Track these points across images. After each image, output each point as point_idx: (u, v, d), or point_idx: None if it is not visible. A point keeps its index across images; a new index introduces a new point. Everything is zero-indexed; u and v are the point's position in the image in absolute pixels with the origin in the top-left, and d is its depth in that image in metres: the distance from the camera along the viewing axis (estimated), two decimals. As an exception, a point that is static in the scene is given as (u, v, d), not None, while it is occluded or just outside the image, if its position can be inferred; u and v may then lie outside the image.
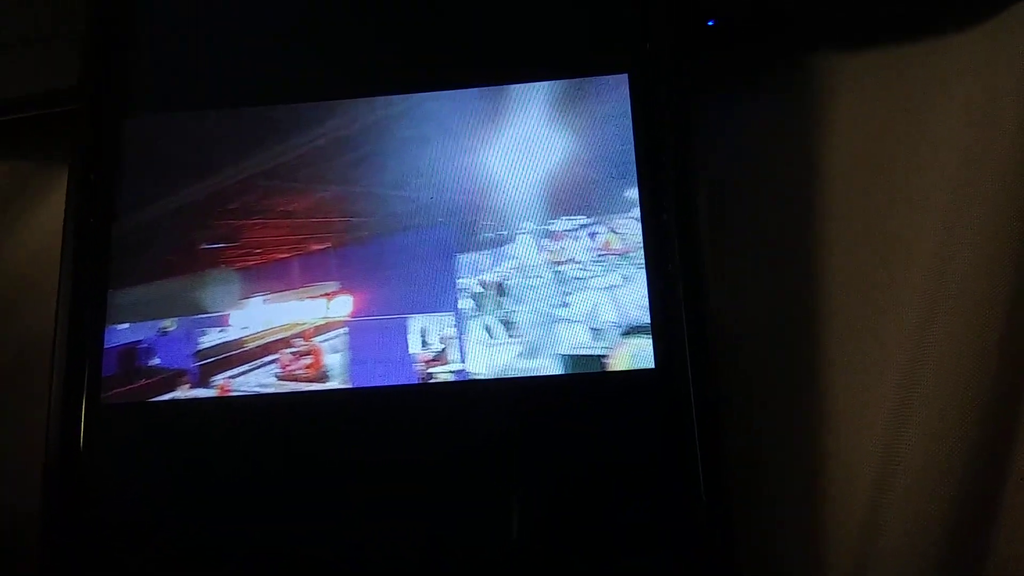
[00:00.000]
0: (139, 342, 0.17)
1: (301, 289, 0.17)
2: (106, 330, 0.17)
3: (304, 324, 0.17)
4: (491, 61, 0.18)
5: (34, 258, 0.22)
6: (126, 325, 0.17)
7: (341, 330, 0.17)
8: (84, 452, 0.17)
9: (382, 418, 0.17)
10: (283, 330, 0.17)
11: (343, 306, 0.17)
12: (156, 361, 0.17)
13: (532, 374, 0.16)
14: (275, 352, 0.17)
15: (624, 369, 0.16)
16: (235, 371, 0.17)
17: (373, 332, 0.17)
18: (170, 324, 0.17)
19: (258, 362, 0.17)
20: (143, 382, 0.17)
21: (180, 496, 0.17)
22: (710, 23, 0.19)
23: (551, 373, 0.16)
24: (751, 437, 0.18)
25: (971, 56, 0.20)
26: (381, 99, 0.18)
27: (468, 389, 0.17)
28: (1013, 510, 0.17)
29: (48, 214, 0.23)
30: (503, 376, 0.16)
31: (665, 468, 0.16)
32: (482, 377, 0.17)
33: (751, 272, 0.19)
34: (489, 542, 0.16)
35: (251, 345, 0.17)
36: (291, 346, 0.17)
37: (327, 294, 0.17)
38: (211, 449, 0.17)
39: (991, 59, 0.20)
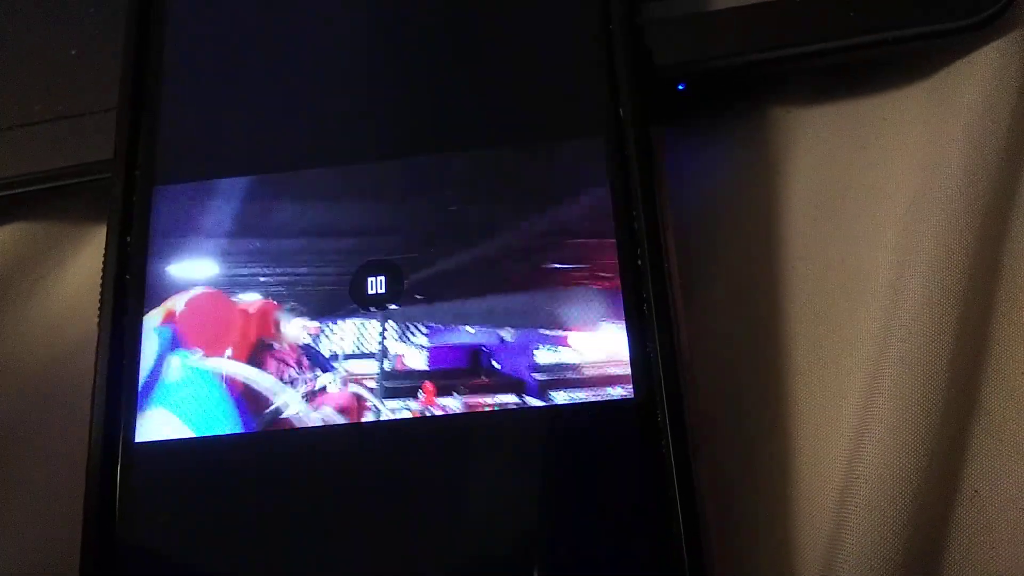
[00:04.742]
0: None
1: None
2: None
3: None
4: (470, 127, 0.20)
5: (67, 308, 0.24)
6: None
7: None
8: (121, 494, 0.18)
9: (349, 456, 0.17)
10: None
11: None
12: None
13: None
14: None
15: (603, 400, 0.17)
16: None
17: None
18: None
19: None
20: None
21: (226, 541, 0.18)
22: (680, 87, 0.21)
23: (530, 405, 0.17)
24: (723, 460, 0.19)
25: (920, 107, 0.22)
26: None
27: (442, 424, 0.17)
28: (967, 521, 0.19)
29: (79, 269, 0.25)
30: (477, 411, 0.17)
31: (644, 493, 0.17)
32: (456, 411, 0.17)
33: (722, 306, 0.21)
34: None
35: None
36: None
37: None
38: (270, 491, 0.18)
39: (938, 110, 0.21)
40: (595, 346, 0.18)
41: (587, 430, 0.17)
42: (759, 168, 0.22)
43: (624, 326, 0.18)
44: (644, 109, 0.19)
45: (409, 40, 0.21)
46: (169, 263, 0.19)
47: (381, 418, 0.18)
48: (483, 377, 0.18)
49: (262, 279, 0.19)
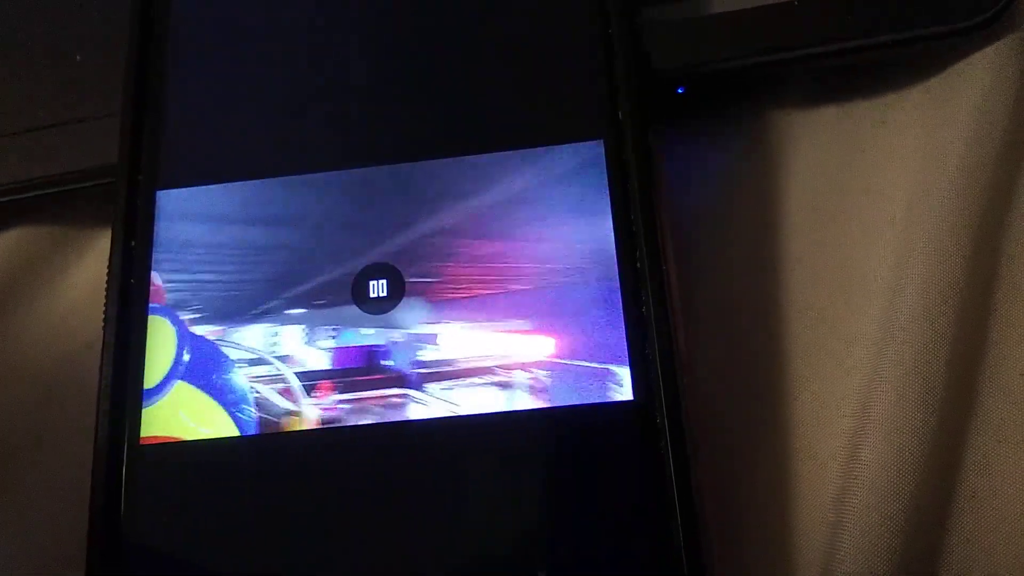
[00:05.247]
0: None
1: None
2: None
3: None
4: (470, 131, 0.20)
5: (72, 311, 0.24)
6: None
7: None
8: (126, 495, 0.18)
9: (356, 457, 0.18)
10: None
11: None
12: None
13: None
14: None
15: (603, 402, 0.17)
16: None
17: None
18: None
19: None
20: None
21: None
22: (679, 91, 0.21)
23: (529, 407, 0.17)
24: (723, 461, 0.20)
25: (918, 110, 0.22)
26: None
27: (442, 427, 0.18)
28: (965, 522, 0.19)
29: (84, 272, 0.25)
30: (478, 413, 0.17)
31: (644, 494, 0.17)
32: (457, 414, 0.17)
33: (722, 306, 0.21)
34: None
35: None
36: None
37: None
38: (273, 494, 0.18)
39: (936, 112, 0.21)
40: (594, 348, 0.18)
41: (586, 432, 0.17)
42: (758, 170, 0.22)
43: (623, 328, 0.18)
44: (643, 112, 0.19)
45: (409, 45, 0.21)
46: (172, 266, 0.20)
47: (381, 420, 0.18)
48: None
49: (263, 278, 0.19)
